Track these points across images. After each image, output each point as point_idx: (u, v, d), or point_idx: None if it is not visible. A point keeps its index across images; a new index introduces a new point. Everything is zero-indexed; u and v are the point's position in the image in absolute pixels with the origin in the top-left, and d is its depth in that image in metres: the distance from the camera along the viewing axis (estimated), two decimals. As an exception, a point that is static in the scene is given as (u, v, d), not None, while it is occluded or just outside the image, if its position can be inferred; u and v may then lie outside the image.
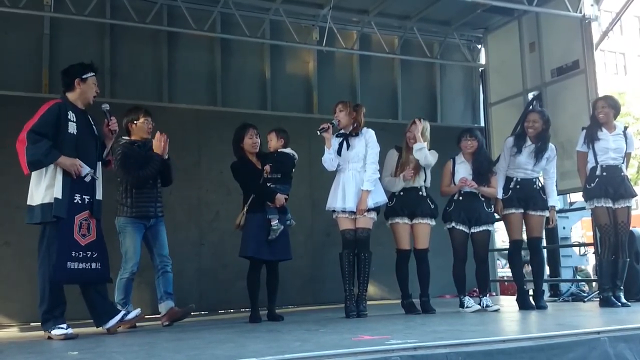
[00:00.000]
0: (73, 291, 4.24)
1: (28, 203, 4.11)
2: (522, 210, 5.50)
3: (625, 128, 5.55)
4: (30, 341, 4.24)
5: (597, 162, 5.39)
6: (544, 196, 5.54)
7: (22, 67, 6.82)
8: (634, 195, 5.43)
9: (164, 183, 5.14)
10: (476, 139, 5.52)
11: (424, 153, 5.24)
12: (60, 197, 4.00)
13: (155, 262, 5.03)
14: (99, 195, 4.26)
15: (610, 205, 5.35)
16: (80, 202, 4.13)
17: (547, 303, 5.60)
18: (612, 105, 5.48)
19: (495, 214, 5.62)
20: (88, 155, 4.21)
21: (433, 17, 8.29)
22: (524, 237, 5.73)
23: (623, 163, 5.43)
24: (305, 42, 7.92)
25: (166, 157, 4.96)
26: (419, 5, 7.96)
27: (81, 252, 4.10)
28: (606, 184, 5.34)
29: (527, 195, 5.49)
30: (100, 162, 4.38)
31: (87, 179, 4.12)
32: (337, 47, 8.01)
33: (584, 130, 5.53)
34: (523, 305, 5.41)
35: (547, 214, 5.56)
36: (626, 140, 5.43)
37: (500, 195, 5.51)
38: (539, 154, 5.48)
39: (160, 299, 4.99)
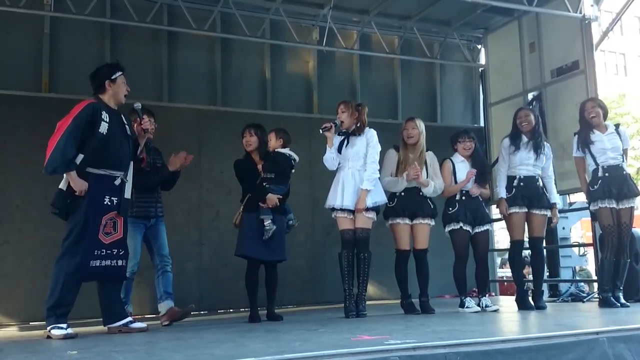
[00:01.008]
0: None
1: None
2: (526, 209, 5.47)
3: (618, 126, 5.52)
4: (29, 340, 4.25)
5: (597, 164, 5.36)
6: (547, 194, 5.54)
7: (22, 66, 6.82)
8: (637, 194, 5.38)
9: (164, 188, 5.19)
10: (473, 140, 5.54)
11: (435, 190, 5.33)
12: (64, 189, 4.06)
13: (156, 262, 5.04)
14: (127, 195, 4.30)
15: (614, 205, 5.30)
16: (109, 203, 4.18)
17: (546, 303, 5.60)
18: (601, 106, 5.47)
19: (500, 214, 5.63)
20: (121, 155, 4.26)
21: (433, 17, 8.29)
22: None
23: (624, 161, 5.39)
24: (306, 41, 7.92)
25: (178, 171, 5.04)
26: (419, 5, 7.96)
27: (104, 250, 4.14)
28: (609, 185, 5.30)
29: (531, 193, 5.46)
30: (133, 161, 4.43)
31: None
32: (337, 47, 8.01)
33: (576, 136, 5.50)
34: (522, 305, 5.41)
35: (549, 213, 5.56)
36: (621, 138, 5.41)
37: (503, 194, 5.50)
38: (537, 148, 5.47)
39: (160, 299, 5.00)
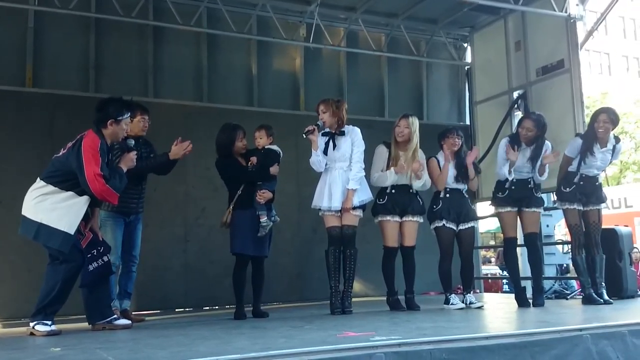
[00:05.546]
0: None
1: (53, 225, 4.01)
2: (516, 209, 5.46)
3: (617, 141, 5.54)
4: (12, 337, 4.20)
5: (578, 171, 5.48)
6: (537, 195, 5.51)
7: (6, 61, 6.72)
8: (603, 201, 5.60)
9: (160, 173, 5.19)
10: (461, 138, 5.56)
11: (424, 185, 5.40)
12: (73, 233, 4.05)
13: (124, 259, 5.03)
14: None
15: (581, 208, 5.51)
16: None
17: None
18: (613, 121, 5.43)
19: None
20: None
21: (420, 15, 8.31)
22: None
23: (600, 173, 5.61)
24: (292, 38, 7.90)
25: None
26: (406, 3, 7.98)
27: (87, 255, 4.23)
28: (580, 192, 5.49)
29: (522, 196, 5.44)
30: None
31: None
32: (324, 44, 8.00)
33: (580, 140, 5.52)
34: (520, 302, 5.34)
35: (541, 210, 5.63)
36: (612, 154, 5.53)
37: (508, 175, 5.38)
38: (534, 159, 5.38)
39: (117, 296, 4.97)
